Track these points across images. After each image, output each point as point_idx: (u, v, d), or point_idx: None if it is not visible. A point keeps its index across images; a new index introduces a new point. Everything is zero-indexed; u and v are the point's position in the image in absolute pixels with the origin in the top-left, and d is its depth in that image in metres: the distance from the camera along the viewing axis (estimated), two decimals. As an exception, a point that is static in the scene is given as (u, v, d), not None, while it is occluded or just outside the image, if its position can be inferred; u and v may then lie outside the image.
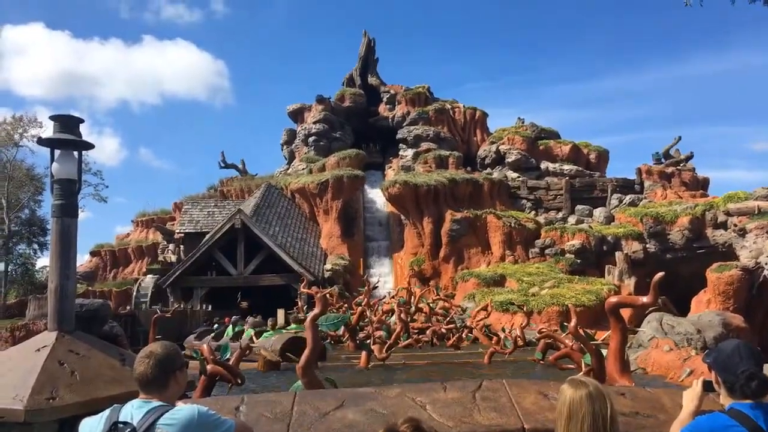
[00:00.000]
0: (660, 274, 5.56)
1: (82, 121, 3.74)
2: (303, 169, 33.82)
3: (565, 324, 7.97)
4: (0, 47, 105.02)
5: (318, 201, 29.99)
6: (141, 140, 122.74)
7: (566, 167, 31.81)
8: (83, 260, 39.11)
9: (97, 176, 44.04)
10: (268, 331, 14.81)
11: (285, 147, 38.16)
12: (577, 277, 22.52)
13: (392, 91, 38.43)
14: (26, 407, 2.88)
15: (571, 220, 28.51)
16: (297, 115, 38.37)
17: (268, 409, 3.19)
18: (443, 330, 16.65)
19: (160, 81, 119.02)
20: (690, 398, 2.86)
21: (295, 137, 37.41)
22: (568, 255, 24.67)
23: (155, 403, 2.37)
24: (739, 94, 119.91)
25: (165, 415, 2.32)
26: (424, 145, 33.98)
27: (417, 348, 15.08)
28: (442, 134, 34.88)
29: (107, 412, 2.38)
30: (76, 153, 3.71)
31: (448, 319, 17.94)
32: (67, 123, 3.63)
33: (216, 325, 17.80)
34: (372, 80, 39.78)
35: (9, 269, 38.63)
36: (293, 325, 15.58)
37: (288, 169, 35.98)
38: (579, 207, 29.22)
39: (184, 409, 2.38)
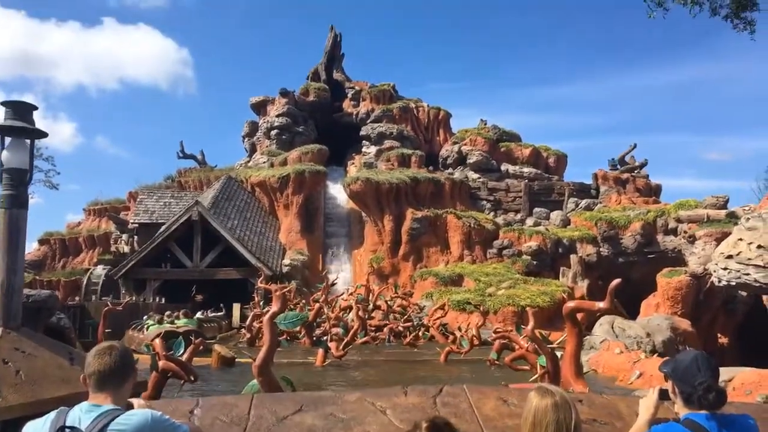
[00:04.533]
0: (616, 281, 5.67)
1: (35, 108, 3.57)
2: (264, 162, 33.39)
3: (522, 326, 8.07)
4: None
5: (278, 195, 29.66)
6: (98, 127, 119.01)
7: (526, 170, 32.32)
8: (31, 248, 37.65)
9: (48, 162, 42.47)
10: (155, 324, 14.85)
11: (246, 139, 37.59)
12: (532, 278, 22.93)
13: (357, 88, 38.29)
14: (-34, 409, 2.73)
15: (529, 222, 29.01)
16: (260, 108, 37.83)
17: (223, 413, 3.11)
18: (400, 328, 16.73)
19: (120, 66, 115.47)
20: (646, 407, 2.91)
21: (257, 130, 36.90)
22: (524, 256, 25.09)
23: (106, 406, 2.28)
24: (692, 106, 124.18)
25: (116, 419, 2.23)
26: (387, 143, 34.00)
27: (374, 345, 15.09)
28: (406, 133, 34.97)
29: (53, 414, 2.28)
30: (28, 141, 3.53)
31: (405, 317, 18.02)
32: (20, 109, 3.45)
33: (145, 317, 17.47)
34: (337, 75, 39.56)
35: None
36: (183, 320, 15.44)
37: (249, 161, 35.47)
38: (537, 209, 29.75)
39: (137, 414, 2.30)
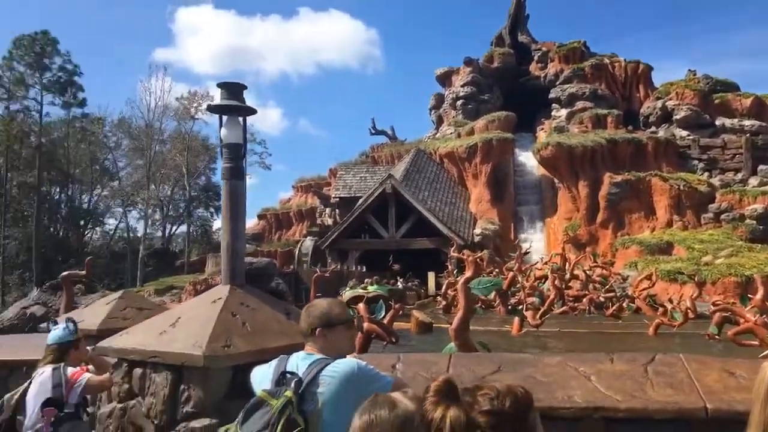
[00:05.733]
0: None
1: (245, 87, 3.94)
2: (451, 133, 33.62)
3: (749, 296, 7.12)
4: (176, 28, 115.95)
5: (467, 165, 29.70)
6: (300, 110, 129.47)
7: (747, 123, 28.22)
8: (251, 223, 42.71)
9: (261, 145, 47.61)
10: (352, 288, 15.84)
11: (433, 112, 38.14)
12: (758, 245, 20.16)
13: (544, 49, 36.53)
14: (205, 353, 3.13)
15: (753, 182, 25.44)
16: (445, 79, 38.04)
17: (423, 369, 3.19)
18: (601, 298, 15.95)
19: (316, 52, 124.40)
20: None
21: (443, 101, 37.20)
22: (748, 221, 22.15)
23: (317, 356, 2.43)
24: None
25: (327, 367, 2.37)
26: (579, 104, 32.04)
27: (573, 316, 14.54)
28: (600, 92, 32.62)
29: (275, 361, 2.47)
30: (241, 119, 3.92)
31: (606, 287, 17.10)
32: (233, 89, 3.84)
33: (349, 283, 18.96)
34: (522, 38, 38.11)
35: (190, 230, 43.40)
36: (374, 286, 16.08)
37: (436, 133, 35.98)
38: (762, 167, 25.92)
39: (344, 362, 2.42)
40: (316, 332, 2.44)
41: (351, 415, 2.44)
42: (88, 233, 43.83)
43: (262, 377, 2.48)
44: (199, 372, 3.16)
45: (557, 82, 33.99)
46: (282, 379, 2.34)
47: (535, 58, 36.73)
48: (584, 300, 15.98)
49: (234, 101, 3.81)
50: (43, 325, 4.07)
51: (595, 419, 2.77)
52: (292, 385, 2.27)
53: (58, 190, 41.66)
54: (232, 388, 3.19)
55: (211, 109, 3.83)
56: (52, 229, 40.07)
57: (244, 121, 3.92)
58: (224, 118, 3.82)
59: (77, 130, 40.49)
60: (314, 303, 2.53)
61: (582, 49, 35.25)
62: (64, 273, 8.42)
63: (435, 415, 1.24)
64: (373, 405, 1.52)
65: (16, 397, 3.44)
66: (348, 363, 2.41)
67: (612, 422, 2.77)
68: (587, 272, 18.15)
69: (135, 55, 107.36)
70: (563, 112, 32.49)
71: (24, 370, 4.36)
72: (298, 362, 2.40)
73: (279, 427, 2.14)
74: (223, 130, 3.82)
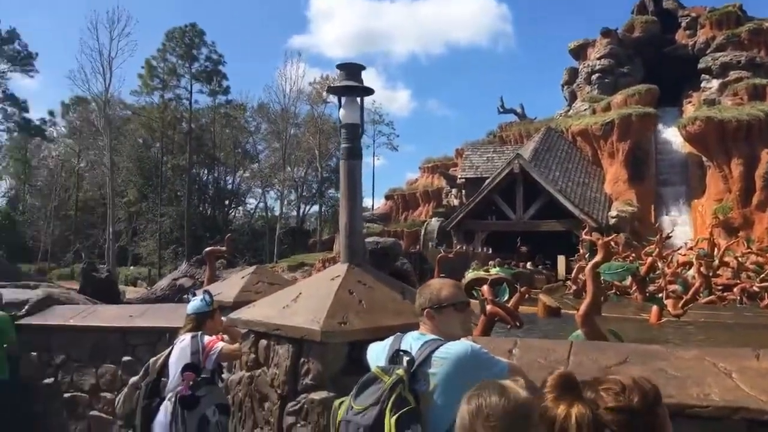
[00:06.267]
0: None
1: (363, 67, 3.96)
2: (585, 109, 31.88)
3: None
4: (310, 14, 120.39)
5: (602, 143, 28.07)
6: (428, 91, 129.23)
7: None
8: (379, 203, 43.67)
9: (389, 126, 48.41)
10: (474, 270, 15.42)
11: (565, 87, 36.38)
12: None
13: (693, 15, 33.32)
14: (322, 329, 3.23)
15: None
16: (579, 53, 36.07)
17: (542, 356, 3.05)
18: (755, 288, 14.49)
19: (445, 31, 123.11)
20: None
21: (577, 76, 35.34)
22: None
23: (430, 336, 2.41)
24: None
25: (440, 348, 2.34)
26: (734, 74, 28.94)
27: (721, 307, 13.35)
28: (759, 59, 29.21)
29: (391, 339, 2.49)
30: (359, 99, 3.96)
31: (762, 276, 15.48)
32: (351, 70, 3.89)
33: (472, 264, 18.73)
34: (667, 4, 35.02)
35: (322, 210, 45.33)
36: (497, 268, 15.50)
37: (568, 110, 34.32)
38: None
39: (457, 344, 2.37)
40: (425, 313, 2.42)
41: (460, 399, 2.39)
42: (232, 212, 47.37)
43: (377, 354, 2.51)
44: (317, 346, 3.27)
45: (708, 51, 30.93)
46: (396, 357, 2.35)
47: (683, 25, 33.64)
48: (735, 289, 14.64)
49: (352, 82, 3.86)
50: (186, 296, 4.47)
51: (735, 420, 2.49)
52: (405, 363, 2.27)
53: (206, 171, 45.37)
54: (348, 363, 3.26)
55: (331, 90, 3.92)
56: (201, 208, 43.79)
57: (362, 101, 3.95)
58: (343, 99, 3.88)
59: (222, 116, 43.70)
60: (427, 283, 2.51)
61: (737, 13, 31.71)
62: (207, 249, 9.12)
63: (558, 412, 1.17)
64: (482, 390, 1.48)
65: (160, 361, 3.79)
66: (461, 345, 2.36)
67: (755, 425, 2.48)
68: (739, 259, 16.58)
69: (273, 42, 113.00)
70: (714, 83, 29.56)
71: (167, 336, 4.79)
72: (412, 342, 2.40)
73: (389, 404, 2.15)
74: (342, 111, 3.89)
